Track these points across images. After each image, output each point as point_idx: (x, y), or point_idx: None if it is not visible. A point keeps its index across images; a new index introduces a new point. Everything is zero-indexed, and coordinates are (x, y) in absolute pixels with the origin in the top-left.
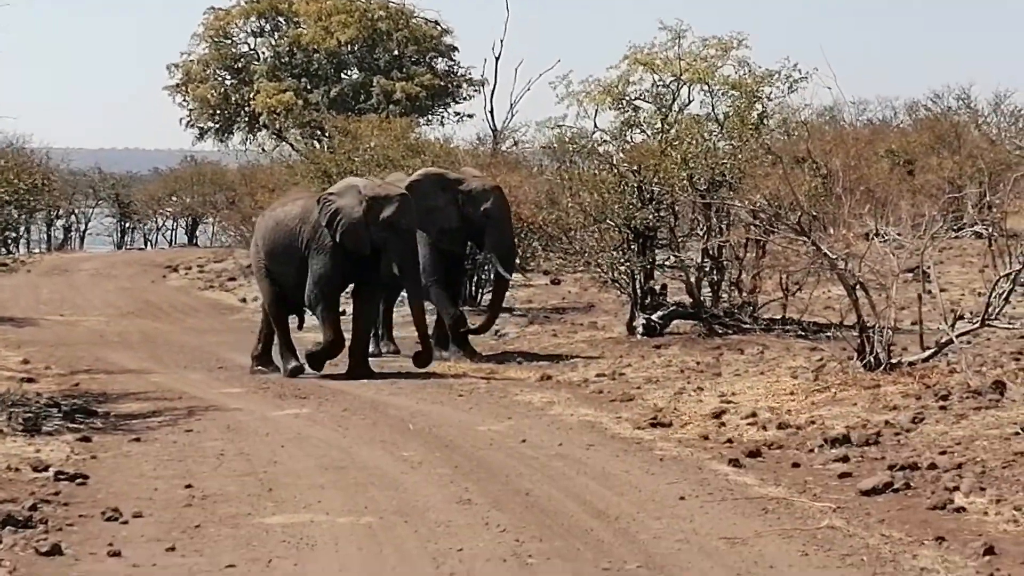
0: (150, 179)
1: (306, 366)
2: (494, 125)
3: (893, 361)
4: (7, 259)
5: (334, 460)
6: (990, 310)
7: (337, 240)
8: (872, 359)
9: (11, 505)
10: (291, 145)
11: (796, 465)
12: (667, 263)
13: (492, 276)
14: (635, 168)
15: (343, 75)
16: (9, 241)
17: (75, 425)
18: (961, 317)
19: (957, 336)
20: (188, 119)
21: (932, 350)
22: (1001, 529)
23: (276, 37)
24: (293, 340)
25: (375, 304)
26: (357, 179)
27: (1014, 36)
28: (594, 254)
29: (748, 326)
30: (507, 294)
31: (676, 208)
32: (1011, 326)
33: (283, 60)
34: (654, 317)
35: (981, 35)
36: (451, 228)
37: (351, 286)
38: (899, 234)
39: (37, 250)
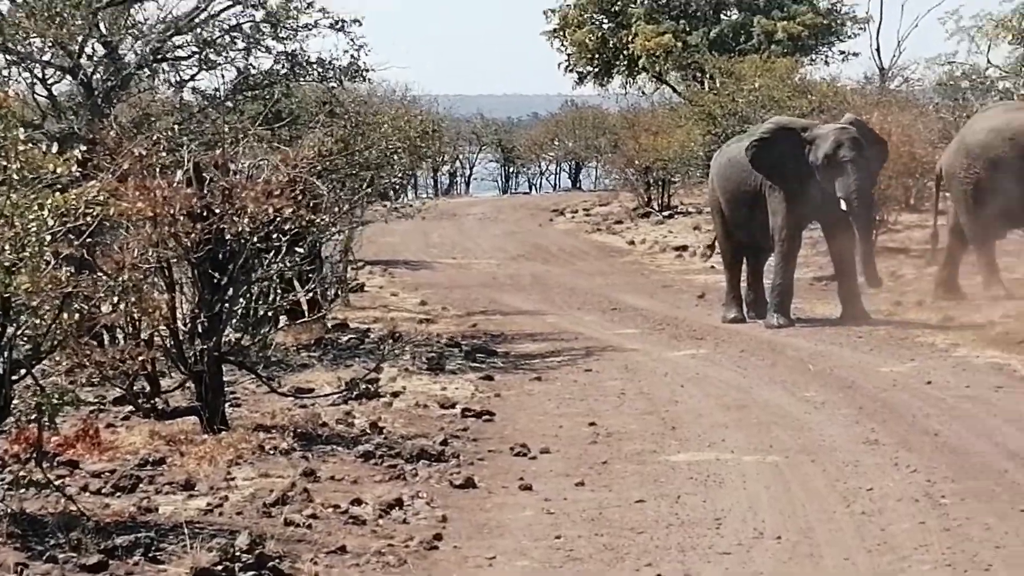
0: (530, 124)
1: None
2: (881, 63)
3: None
4: (404, 206)
5: (734, 400)
6: None
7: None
8: None
9: (423, 440)
10: (672, 88)
11: None
12: None
13: None
14: None
15: (722, 16)
16: (399, 188)
17: (476, 364)
18: None
19: None
20: (567, 64)
21: None
22: None
23: None
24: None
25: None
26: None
27: None
28: None
29: None
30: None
31: None
32: None
33: (660, 3)
34: None
35: None
36: None
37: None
38: None
39: (424, 196)
